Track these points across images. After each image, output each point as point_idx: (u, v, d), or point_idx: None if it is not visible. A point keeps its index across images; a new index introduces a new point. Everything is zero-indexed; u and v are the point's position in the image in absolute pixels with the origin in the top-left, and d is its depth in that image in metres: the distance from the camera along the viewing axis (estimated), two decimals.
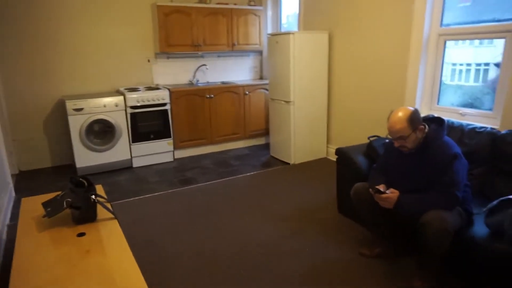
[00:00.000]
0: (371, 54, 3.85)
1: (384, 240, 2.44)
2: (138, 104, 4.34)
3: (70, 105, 3.98)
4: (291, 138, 4.37)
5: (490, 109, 2.97)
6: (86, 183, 2.20)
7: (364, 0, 3.81)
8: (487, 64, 3.18)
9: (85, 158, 4.16)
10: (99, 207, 2.15)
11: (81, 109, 4.03)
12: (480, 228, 2.03)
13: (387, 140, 2.66)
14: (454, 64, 3.40)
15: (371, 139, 2.94)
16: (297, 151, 4.44)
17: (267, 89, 5.17)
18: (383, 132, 3.25)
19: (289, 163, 4.48)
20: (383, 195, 2.07)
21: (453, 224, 1.92)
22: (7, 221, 3.08)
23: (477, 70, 3.31)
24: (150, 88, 4.65)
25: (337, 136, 4.54)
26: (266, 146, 5.24)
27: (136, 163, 4.50)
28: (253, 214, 3.14)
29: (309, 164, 4.46)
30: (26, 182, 4.04)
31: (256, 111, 5.25)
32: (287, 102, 4.31)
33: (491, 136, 2.54)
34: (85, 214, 2.10)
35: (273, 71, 4.51)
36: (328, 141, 4.67)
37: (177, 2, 4.79)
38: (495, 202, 1.93)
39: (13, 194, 3.67)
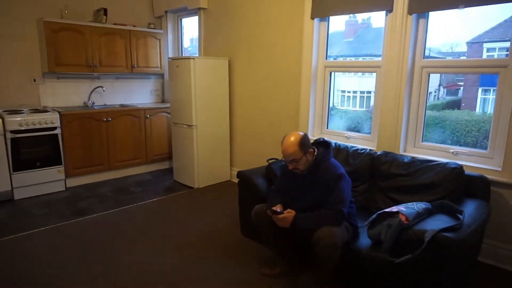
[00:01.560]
0: (267, 80, 4.11)
1: (285, 259, 2.56)
2: (22, 128, 3.88)
3: None
4: (194, 161, 4.36)
5: (369, 133, 3.40)
6: None
7: (261, 30, 4.08)
8: (369, 92, 3.67)
9: None
10: None
11: None
12: (364, 240, 2.27)
13: (283, 163, 2.85)
14: (343, 91, 3.83)
15: (270, 161, 3.10)
16: (201, 175, 4.44)
17: (169, 113, 5.10)
18: (281, 155, 3.47)
19: (193, 187, 4.44)
20: (280, 216, 2.19)
21: (341, 238, 2.12)
22: None
23: (362, 97, 3.79)
24: (36, 111, 4.21)
25: (240, 159, 4.67)
26: (170, 170, 5.12)
27: (19, 194, 3.97)
28: (155, 243, 3.02)
29: (213, 187, 4.49)
30: None
31: (158, 134, 5.12)
32: (190, 126, 4.31)
33: (370, 157, 2.90)
34: None
35: (175, 95, 4.49)
36: (231, 164, 4.77)
37: (69, 19, 4.47)
38: (374, 216, 2.20)
39: None
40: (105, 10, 4.70)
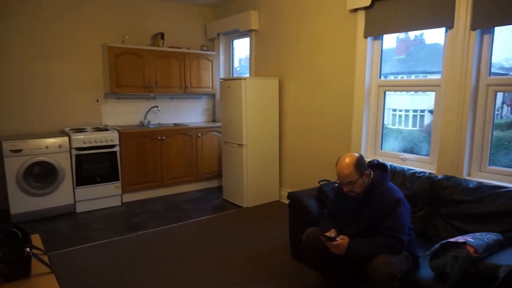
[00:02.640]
0: (318, 101, 4.06)
1: (336, 286, 2.44)
2: (85, 146, 4.15)
3: (7, 145, 3.71)
4: (243, 181, 4.37)
5: (427, 155, 3.21)
6: (19, 233, 2.01)
7: (311, 50, 4.07)
8: (422, 111, 3.49)
9: (22, 203, 3.83)
10: (34, 261, 1.96)
11: (19, 151, 3.76)
12: (425, 271, 2.11)
13: (336, 185, 2.76)
14: (394, 110, 3.69)
15: (321, 183, 3.02)
16: (250, 194, 4.43)
17: (219, 132, 5.21)
18: (332, 176, 3.38)
19: (242, 207, 4.44)
20: (334, 242, 2.11)
21: (400, 268, 1.99)
22: None
23: (414, 116, 3.62)
24: (98, 129, 4.49)
25: (289, 179, 4.62)
26: (219, 189, 5.18)
27: (80, 208, 4.22)
28: (204, 262, 3.03)
29: (262, 207, 4.46)
30: None
31: (208, 153, 5.23)
32: (240, 145, 4.35)
33: (430, 181, 2.72)
34: (16, 270, 1.90)
35: (226, 115, 4.57)
36: (280, 184, 4.73)
37: (129, 43, 4.78)
38: (437, 245, 2.04)
39: None
40: (162, 35, 4.97)
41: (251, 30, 4.88)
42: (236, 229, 3.76)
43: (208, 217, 4.12)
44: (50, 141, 3.94)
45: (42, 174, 3.99)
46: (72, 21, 4.53)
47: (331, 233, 2.18)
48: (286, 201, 4.53)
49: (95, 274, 2.82)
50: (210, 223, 3.93)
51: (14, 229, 2.02)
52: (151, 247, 3.30)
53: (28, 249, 1.94)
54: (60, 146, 3.99)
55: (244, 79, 4.20)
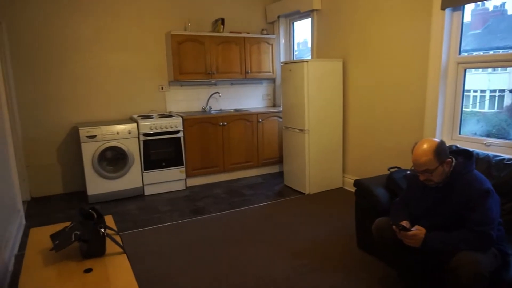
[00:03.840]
0: (387, 82, 3.78)
1: (408, 281, 2.27)
2: (151, 132, 4.32)
3: (83, 132, 3.97)
4: (305, 167, 4.26)
5: None
6: (95, 215, 2.12)
7: (378, 27, 3.79)
8: (502, 91, 3.09)
9: (97, 185, 4.11)
10: (108, 240, 2.06)
11: (94, 136, 4.01)
12: None
13: (408, 172, 2.54)
14: (468, 91, 3.31)
15: (391, 170, 2.82)
16: (312, 181, 4.32)
17: (280, 117, 5.13)
18: (403, 163, 3.14)
19: (304, 193, 4.34)
20: (409, 233, 1.93)
21: (488, 266, 1.77)
22: (16, 251, 3.00)
23: (492, 97, 3.22)
24: (163, 116, 4.64)
25: (354, 166, 4.41)
26: (280, 174, 5.13)
27: (148, 191, 4.42)
28: (267, 248, 3.00)
29: (324, 194, 4.32)
30: (38, 209, 3.99)
31: (269, 139, 5.18)
32: (302, 130, 4.23)
33: None
34: (93, 249, 2.01)
35: (287, 99, 4.46)
36: (344, 171, 4.54)
37: (191, 31, 4.85)
38: None
39: (24, 222, 3.60)
40: (222, 20, 4.96)
41: (312, 10, 4.67)
42: (299, 216, 3.68)
43: (269, 203, 4.09)
44: (120, 127, 4.15)
45: (114, 159, 4.24)
46: (137, 12, 4.69)
47: (405, 224, 2.01)
48: (350, 188, 4.38)
49: (163, 255, 2.92)
50: (271, 209, 3.89)
51: (90, 210, 2.14)
52: (214, 232, 3.35)
53: (102, 230, 2.05)
54: (129, 132, 4.18)
55: (306, 61, 4.05)
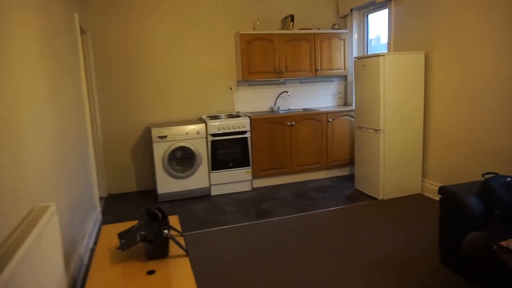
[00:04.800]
0: (478, 74, 3.30)
1: None
2: (219, 132, 4.32)
3: (155, 132, 4.10)
4: (379, 170, 3.92)
5: None
6: (160, 215, 2.10)
7: (470, 14, 3.32)
8: None
9: (166, 184, 4.21)
10: (172, 242, 2.03)
11: (164, 137, 4.12)
12: None
13: (509, 179, 2.15)
14: None
15: (486, 176, 2.41)
16: (387, 185, 3.96)
17: (352, 116, 4.82)
18: (500, 169, 2.70)
19: (377, 199, 4.00)
20: None
21: None
22: (91, 244, 3.16)
23: None
24: (231, 116, 4.63)
25: (436, 170, 3.95)
26: (350, 178, 4.82)
27: (214, 191, 4.43)
28: (336, 258, 2.77)
29: (400, 200, 3.94)
30: (114, 205, 4.21)
31: (339, 139, 4.90)
32: (376, 130, 3.90)
33: None
34: (157, 250, 1.99)
35: (360, 97, 4.15)
36: (423, 175, 4.09)
37: (260, 29, 4.77)
38: None
39: (100, 217, 3.81)
40: (292, 17, 4.80)
41: (390, 0, 4.29)
42: (372, 224, 3.37)
43: (339, 208, 3.84)
44: (190, 127, 4.21)
45: (183, 159, 4.32)
46: (208, 13, 4.74)
47: (509, 244, 1.66)
48: (430, 195, 3.94)
49: (227, 259, 2.85)
50: (341, 215, 3.64)
51: (155, 211, 2.13)
52: (281, 236, 3.20)
53: (166, 231, 2.02)
54: (198, 132, 4.23)
55: (383, 55, 3.71)
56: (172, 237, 2.01)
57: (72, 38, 3.29)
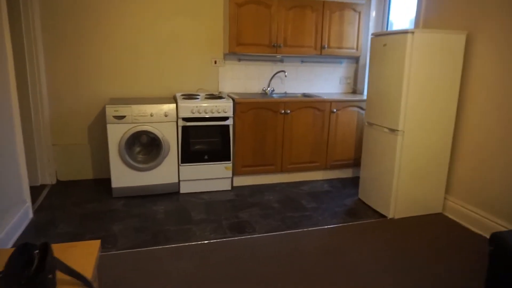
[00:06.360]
0: None
1: None
2: (193, 116, 3.43)
3: (110, 111, 3.21)
4: (393, 180, 3.06)
5: None
6: (36, 262, 1.24)
7: None
8: None
9: (124, 177, 3.36)
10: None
11: (122, 117, 3.24)
12: None
13: None
14: None
15: None
16: (400, 200, 3.11)
17: (362, 108, 3.93)
18: None
19: (386, 216, 3.16)
20: None
21: None
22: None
23: None
24: (212, 96, 3.72)
25: (464, 187, 3.08)
26: (353, 182, 3.97)
27: (184, 188, 3.59)
28: None
29: (417, 221, 3.09)
30: (57, 198, 3.36)
31: (343, 135, 4.01)
32: (393, 130, 3.01)
33: None
34: None
35: (375, 86, 3.25)
36: (447, 191, 3.24)
37: None
38: None
39: (30, 215, 2.97)
40: None
41: None
42: (380, 254, 2.54)
43: (336, 226, 3.00)
44: (156, 108, 3.32)
45: (145, 146, 3.46)
46: None
47: None
48: (452, 216, 3.10)
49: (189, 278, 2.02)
50: (339, 238, 2.80)
51: (35, 251, 1.27)
52: (254, 263, 2.37)
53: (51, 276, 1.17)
54: (166, 115, 3.34)
55: (412, 32, 2.78)
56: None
57: None
